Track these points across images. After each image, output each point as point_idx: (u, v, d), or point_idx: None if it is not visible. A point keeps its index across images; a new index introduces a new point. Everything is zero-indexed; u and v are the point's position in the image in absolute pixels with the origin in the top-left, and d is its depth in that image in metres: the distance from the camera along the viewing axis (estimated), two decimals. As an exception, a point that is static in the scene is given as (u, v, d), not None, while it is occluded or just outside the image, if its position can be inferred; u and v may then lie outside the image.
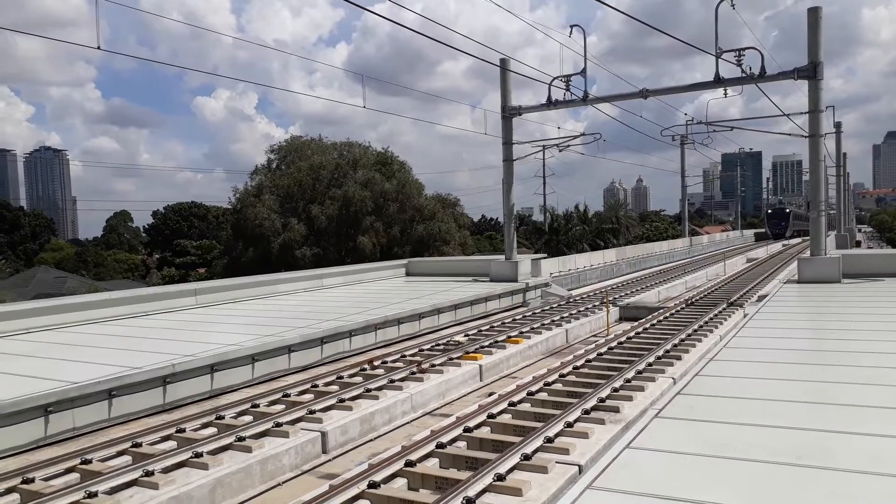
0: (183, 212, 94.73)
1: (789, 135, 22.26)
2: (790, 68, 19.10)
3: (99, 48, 12.11)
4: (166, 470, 7.40)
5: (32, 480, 7.15)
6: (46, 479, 7.31)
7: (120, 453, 8.11)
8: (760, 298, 16.23)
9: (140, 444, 8.23)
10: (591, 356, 12.51)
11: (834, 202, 59.23)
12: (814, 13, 18.88)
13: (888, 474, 5.13)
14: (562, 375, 11.17)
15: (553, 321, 16.82)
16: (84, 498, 6.64)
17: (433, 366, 12.11)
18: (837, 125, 52.87)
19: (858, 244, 67.56)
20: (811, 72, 18.73)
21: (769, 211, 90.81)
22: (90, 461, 7.68)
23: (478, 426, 8.61)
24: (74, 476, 7.46)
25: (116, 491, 6.97)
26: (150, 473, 7.20)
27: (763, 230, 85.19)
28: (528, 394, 10.02)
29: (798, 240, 75.26)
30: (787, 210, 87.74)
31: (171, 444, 8.43)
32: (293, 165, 46.70)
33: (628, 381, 10.45)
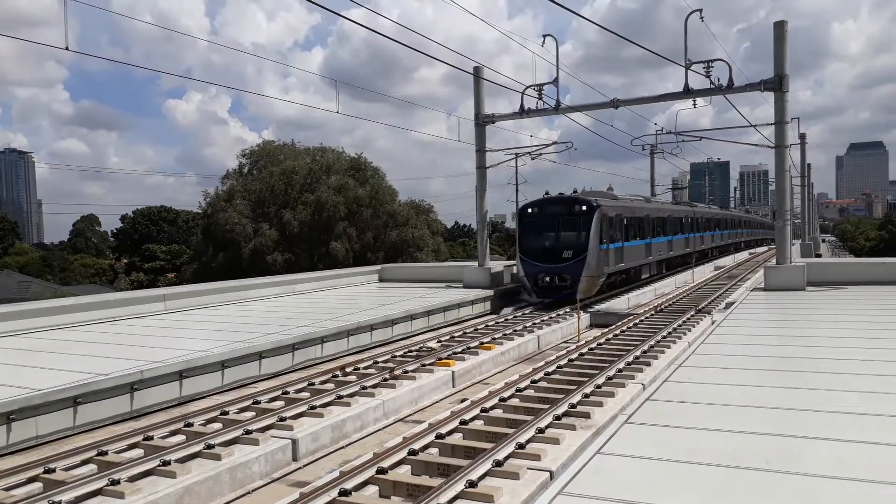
0: (152, 216, 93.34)
1: (756, 145, 22.71)
2: (758, 80, 19.50)
3: (67, 49, 11.90)
4: (133, 479, 7.26)
5: (-7, 490, 6.98)
6: (7, 489, 7.13)
7: (85, 462, 7.95)
8: (728, 305, 16.50)
9: (106, 453, 8.07)
10: (563, 362, 12.59)
11: (799, 212, 60.48)
12: (779, 27, 19.31)
13: (852, 478, 5.25)
14: (533, 381, 11.22)
15: (525, 327, 16.89)
16: (47, 508, 6.50)
17: (406, 372, 12.08)
18: (802, 136, 54.10)
19: (819, 256, 51.21)
20: (777, 84, 19.13)
21: (529, 210, 22.17)
22: (54, 470, 7.51)
23: (450, 432, 8.61)
24: (37, 486, 7.28)
25: (81, 501, 6.83)
26: (115, 482, 7.06)
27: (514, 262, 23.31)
28: (501, 400, 10.06)
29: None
30: (587, 205, 21.22)
31: (139, 452, 8.29)
32: (265, 170, 46.37)
33: (599, 387, 10.54)
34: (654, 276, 28.37)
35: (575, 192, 23.82)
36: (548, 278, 20.73)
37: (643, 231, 26.25)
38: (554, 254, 20.84)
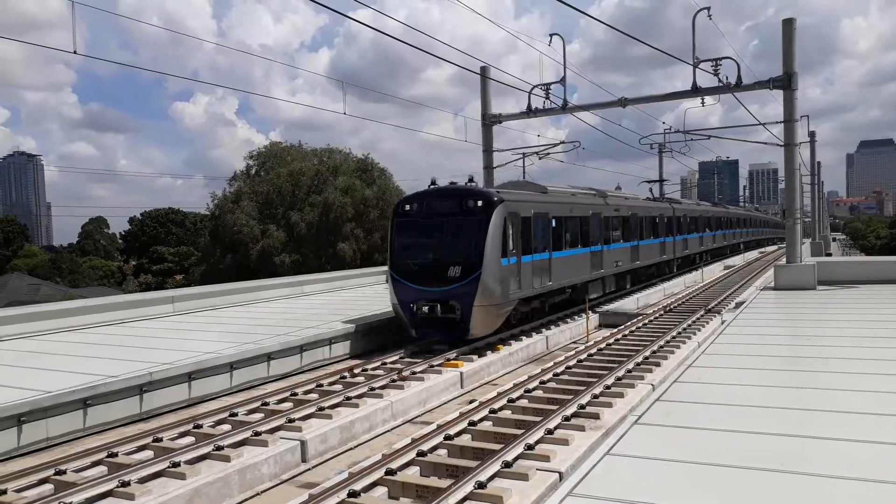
0: (160, 218, 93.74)
1: (765, 144, 22.62)
2: (767, 78, 19.42)
3: (75, 52, 11.96)
4: (143, 480, 7.29)
5: (4, 492, 7.01)
6: (19, 491, 7.16)
7: (95, 463, 7.98)
8: (738, 305, 16.42)
9: (116, 454, 8.10)
10: (571, 363, 12.56)
11: (809, 210, 60.12)
12: (788, 24, 19.21)
13: (863, 479, 5.20)
14: (542, 382, 11.19)
15: (533, 328, 16.86)
16: (58, 509, 6.52)
17: (414, 373, 12.08)
18: (811, 134, 53.82)
19: (829, 255, 52.29)
20: (786, 82, 19.03)
21: (406, 207, 15.32)
22: (64, 472, 7.54)
23: (459, 434, 8.60)
24: (48, 487, 7.31)
25: (92, 502, 6.86)
26: (126, 484, 7.09)
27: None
28: (509, 401, 10.03)
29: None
30: (484, 201, 14.46)
31: (148, 453, 8.31)
32: (273, 172, 46.47)
33: (608, 387, 10.50)
34: (612, 293, 22.29)
35: (471, 180, 15.77)
36: (427, 307, 14.10)
37: (588, 235, 19.81)
38: (435, 271, 14.21)
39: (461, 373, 12.47)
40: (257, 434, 8.66)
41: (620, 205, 23.64)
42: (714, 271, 35.29)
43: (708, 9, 19.93)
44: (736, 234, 50.05)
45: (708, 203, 49.64)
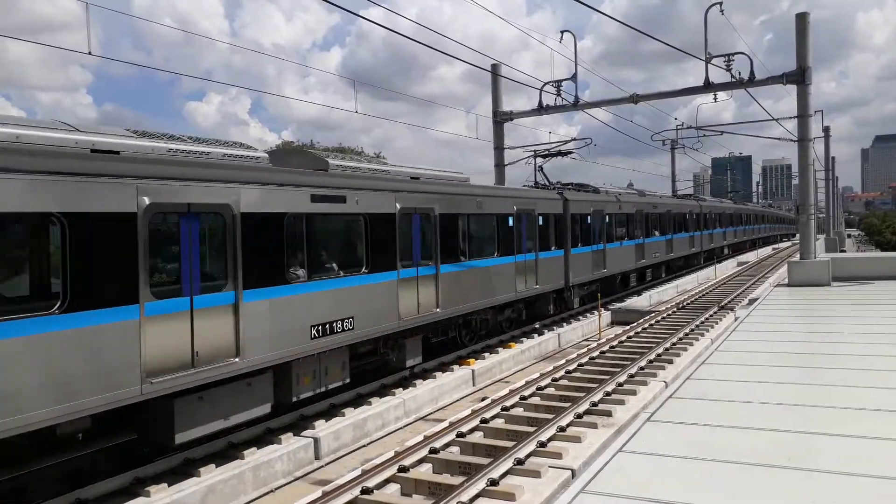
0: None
1: (778, 139, 22.45)
2: (780, 73, 19.24)
3: (90, 53, 12.06)
4: (157, 477, 7.36)
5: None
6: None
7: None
8: (751, 302, 16.32)
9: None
10: (584, 360, 12.54)
11: (823, 206, 59.54)
12: (802, 19, 19.03)
13: (875, 476, 5.17)
14: (554, 380, 11.19)
15: (545, 325, 16.84)
16: (75, 506, 6.60)
17: (425, 371, 12.11)
18: (826, 129, 53.26)
19: (843, 251, 45.75)
20: (799, 77, 18.86)
21: None
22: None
23: (471, 431, 8.62)
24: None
25: (107, 498, 6.93)
26: (141, 480, 7.17)
27: None
28: (521, 398, 10.04)
29: None
30: None
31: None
32: (285, 170, 46.77)
33: (620, 385, 10.48)
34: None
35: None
36: None
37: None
38: None
39: (473, 370, 12.49)
40: (270, 431, 8.72)
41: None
42: (727, 268, 35.11)
43: (720, 3, 19.80)
44: (714, 235, 37.53)
45: (658, 194, 30.88)
